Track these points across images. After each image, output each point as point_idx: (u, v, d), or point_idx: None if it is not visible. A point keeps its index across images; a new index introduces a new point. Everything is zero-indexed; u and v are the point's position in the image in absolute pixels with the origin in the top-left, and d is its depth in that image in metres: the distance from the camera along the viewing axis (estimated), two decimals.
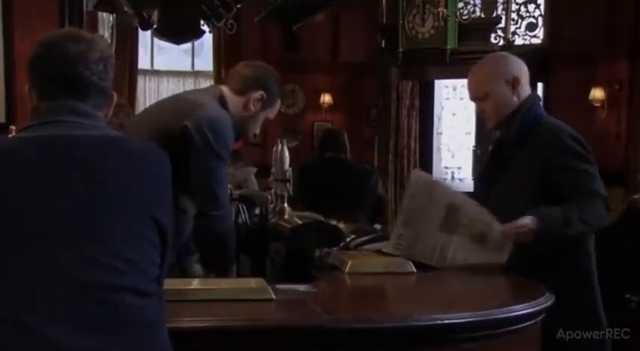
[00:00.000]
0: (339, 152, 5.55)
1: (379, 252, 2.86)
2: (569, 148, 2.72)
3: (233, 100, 2.77)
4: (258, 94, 2.78)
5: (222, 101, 2.74)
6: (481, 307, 2.21)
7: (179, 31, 5.66)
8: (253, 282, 2.26)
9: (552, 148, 2.71)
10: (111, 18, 4.69)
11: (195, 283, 2.28)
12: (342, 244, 2.92)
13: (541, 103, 2.97)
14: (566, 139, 2.73)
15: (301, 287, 2.32)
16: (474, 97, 2.93)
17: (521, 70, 2.88)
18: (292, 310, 2.16)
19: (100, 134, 1.73)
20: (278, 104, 2.90)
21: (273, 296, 2.15)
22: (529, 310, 2.22)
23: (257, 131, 2.90)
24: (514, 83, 2.84)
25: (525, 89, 2.87)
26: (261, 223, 2.78)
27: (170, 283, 1.93)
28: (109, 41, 4.47)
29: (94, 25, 4.14)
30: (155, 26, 5.48)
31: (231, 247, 2.63)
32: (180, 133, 2.57)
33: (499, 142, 2.98)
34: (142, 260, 1.66)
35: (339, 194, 5.33)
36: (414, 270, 2.68)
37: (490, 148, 3.12)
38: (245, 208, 2.84)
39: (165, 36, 5.75)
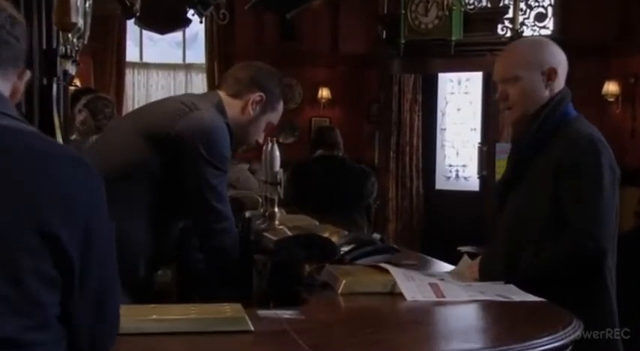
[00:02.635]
0: (332, 150, 5.53)
1: (376, 267, 2.58)
2: (579, 162, 2.46)
3: (230, 105, 2.61)
4: (256, 95, 2.62)
5: (220, 107, 2.57)
6: (497, 341, 1.96)
7: (164, 20, 5.38)
8: (228, 309, 1.99)
9: (566, 158, 2.47)
10: (86, 5, 4.28)
11: (157, 312, 1.98)
12: (336, 258, 2.68)
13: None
14: (579, 151, 2.48)
15: (286, 313, 2.07)
16: (500, 78, 2.67)
17: (561, 61, 2.64)
18: (273, 345, 1.91)
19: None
20: (281, 107, 2.74)
21: (251, 327, 1.87)
22: (555, 345, 1.92)
23: (260, 138, 2.75)
24: (550, 75, 2.58)
25: (560, 84, 2.62)
26: (243, 235, 2.64)
27: (125, 313, 1.69)
28: (83, 29, 4.07)
29: (66, 13, 3.73)
30: (138, 14, 5.17)
31: (235, 260, 2.55)
32: (166, 139, 2.41)
33: (517, 144, 2.74)
34: (21, 298, 1.25)
35: (335, 195, 5.28)
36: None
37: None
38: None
39: (150, 25, 5.49)
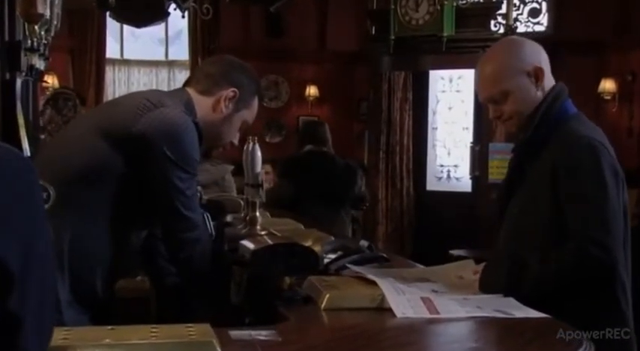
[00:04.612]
0: (322, 146, 5.59)
1: (363, 278, 2.41)
2: (576, 165, 2.30)
3: (201, 103, 2.43)
4: (229, 91, 2.44)
5: (189, 106, 2.39)
6: None
7: (140, 13, 5.21)
8: (194, 331, 1.78)
9: (562, 162, 2.32)
10: None
11: (112, 336, 1.76)
12: (320, 268, 2.53)
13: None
14: (577, 155, 2.31)
15: (261, 334, 1.87)
16: (487, 99, 2.48)
17: (542, 56, 2.47)
18: None
19: None
20: (256, 105, 2.56)
21: None
22: None
23: (235, 139, 2.57)
24: (537, 74, 2.41)
25: (550, 80, 2.45)
26: (215, 245, 2.52)
27: (76, 336, 1.60)
28: (49, 21, 3.88)
29: (32, 3, 3.61)
30: (113, 7, 5.04)
31: (205, 272, 2.44)
32: (127, 138, 2.23)
33: (518, 147, 2.57)
34: None
35: (324, 191, 5.38)
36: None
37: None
38: (210, 217, 2.59)
39: (126, 18, 5.31)
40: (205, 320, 1.88)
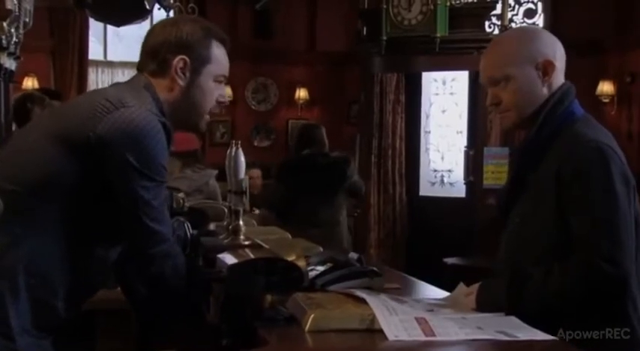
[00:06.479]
0: (319, 148, 5.71)
1: (352, 296, 2.27)
2: (583, 171, 2.18)
3: (160, 86, 2.22)
4: (177, 61, 2.20)
5: (152, 92, 2.19)
6: None
7: (120, 11, 5.08)
8: None
9: (568, 167, 2.23)
10: None
11: None
12: (305, 284, 2.39)
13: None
14: (584, 159, 2.20)
15: None
16: (488, 80, 2.39)
17: (557, 51, 2.37)
18: None
19: None
20: (217, 52, 2.28)
21: None
22: None
23: (222, 98, 2.32)
24: (546, 68, 2.31)
25: (559, 78, 2.36)
26: (190, 260, 2.35)
27: None
28: (18, 17, 3.72)
29: None
30: (91, 5, 4.94)
31: (177, 290, 2.23)
32: (85, 145, 2.04)
33: (520, 150, 2.47)
34: None
35: (319, 187, 5.54)
36: None
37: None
38: (189, 226, 2.48)
39: (104, 16, 5.19)
40: (180, 341, 1.72)
